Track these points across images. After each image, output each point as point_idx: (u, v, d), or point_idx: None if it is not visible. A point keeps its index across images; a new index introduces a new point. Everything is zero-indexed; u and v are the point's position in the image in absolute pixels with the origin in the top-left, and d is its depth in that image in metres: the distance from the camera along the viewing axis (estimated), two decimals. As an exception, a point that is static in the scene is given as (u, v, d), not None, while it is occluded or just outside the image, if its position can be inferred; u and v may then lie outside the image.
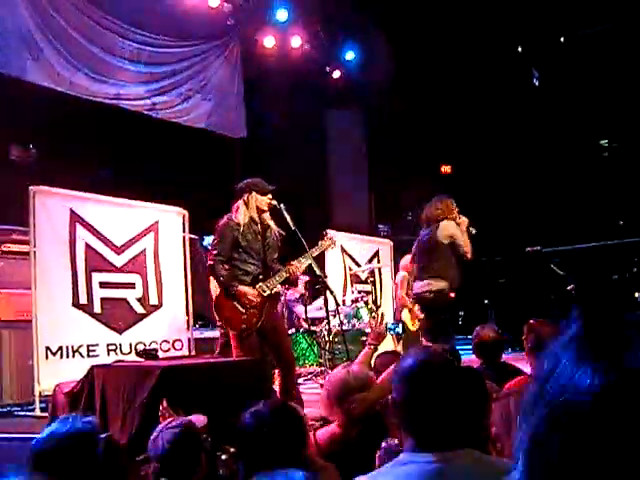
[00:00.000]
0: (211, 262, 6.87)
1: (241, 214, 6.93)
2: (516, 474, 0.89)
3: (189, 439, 3.78)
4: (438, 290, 8.34)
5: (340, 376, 4.07)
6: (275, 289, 7.05)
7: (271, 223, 7.13)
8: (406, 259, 11.37)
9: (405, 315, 11.10)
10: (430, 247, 8.41)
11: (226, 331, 8.08)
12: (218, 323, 7.86)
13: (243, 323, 6.80)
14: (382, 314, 6.41)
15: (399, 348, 10.20)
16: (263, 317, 6.85)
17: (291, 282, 7.81)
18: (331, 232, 10.14)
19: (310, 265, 7.24)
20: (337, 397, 3.98)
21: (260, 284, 6.88)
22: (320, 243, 7.37)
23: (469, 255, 8.38)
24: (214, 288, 7.71)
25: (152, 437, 3.84)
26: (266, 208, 7.03)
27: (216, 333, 9.05)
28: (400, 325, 9.75)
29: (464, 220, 8.53)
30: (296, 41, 13.68)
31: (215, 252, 6.85)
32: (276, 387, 7.21)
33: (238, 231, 6.86)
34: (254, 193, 6.97)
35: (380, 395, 3.83)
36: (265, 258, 7.00)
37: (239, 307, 6.79)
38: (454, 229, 8.33)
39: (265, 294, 6.86)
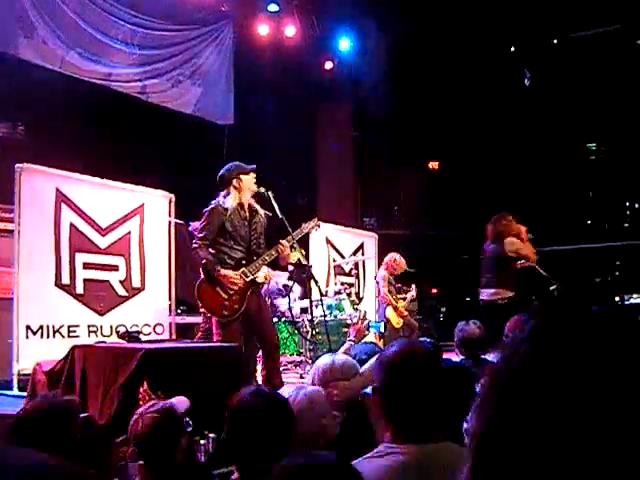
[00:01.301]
0: (195, 245, 6.86)
1: (230, 199, 6.92)
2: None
3: (169, 423, 3.77)
4: (508, 298, 9.28)
5: (325, 362, 4.07)
6: (260, 273, 7.03)
7: (258, 207, 7.12)
8: (390, 257, 11.39)
9: (390, 312, 11.13)
10: (498, 260, 9.29)
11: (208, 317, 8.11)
12: (201, 309, 7.86)
13: (225, 309, 6.79)
14: (365, 312, 6.41)
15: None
16: (245, 302, 6.85)
17: (282, 266, 7.78)
18: (317, 220, 10.15)
19: (296, 254, 7.23)
20: (321, 383, 3.98)
21: (243, 269, 6.88)
22: (303, 225, 7.36)
23: (533, 259, 9.42)
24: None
25: (133, 419, 3.83)
26: (252, 188, 7.02)
27: (198, 319, 9.04)
28: (382, 324, 9.77)
29: (522, 229, 9.38)
30: (290, 30, 13.65)
31: (200, 235, 6.85)
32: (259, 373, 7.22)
33: (225, 216, 6.85)
34: (242, 176, 6.97)
35: (362, 385, 3.84)
36: (251, 244, 7.00)
37: (221, 292, 6.78)
38: (518, 244, 9.26)
39: (248, 279, 6.85)
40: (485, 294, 9.38)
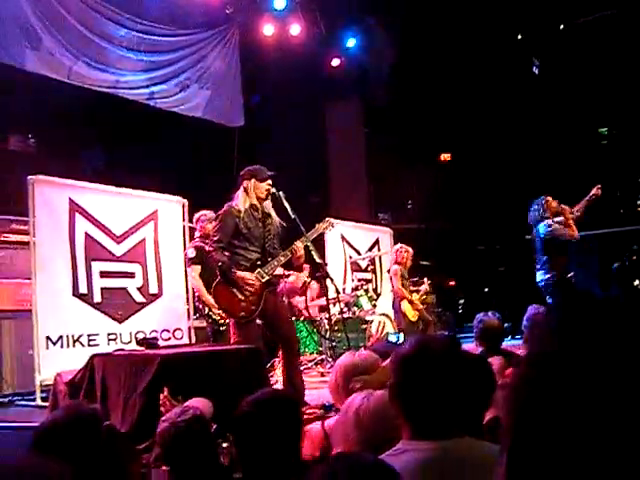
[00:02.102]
0: (210, 248, 6.88)
1: (241, 201, 6.94)
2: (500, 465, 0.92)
3: (200, 431, 3.79)
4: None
5: (347, 358, 4.06)
6: (274, 273, 7.04)
7: (272, 212, 7.14)
8: (395, 249, 11.35)
9: (405, 306, 11.11)
10: (539, 245, 9.64)
11: (216, 320, 8.18)
12: (215, 310, 7.90)
13: (242, 310, 6.80)
14: (384, 323, 6.41)
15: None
16: (262, 303, 6.85)
17: (297, 267, 7.78)
18: (331, 220, 10.14)
19: (310, 253, 7.23)
20: (343, 379, 3.97)
21: (259, 270, 6.88)
22: (317, 225, 7.36)
23: (575, 236, 9.56)
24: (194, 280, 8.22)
25: (162, 426, 3.84)
26: (264, 195, 7.03)
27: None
28: (402, 334, 9.77)
29: (566, 208, 9.59)
30: (295, 29, 13.64)
31: (215, 238, 6.85)
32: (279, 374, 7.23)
33: (239, 218, 6.86)
34: (253, 180, 6.98)
35: (384, 379, 3.83)
36: (265, 245, 7.00)
37: (238, 294, 6.79)
38: (547, 227, 9.49)
39: (264, 280, 6.86)
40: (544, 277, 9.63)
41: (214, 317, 8.39)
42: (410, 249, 11.28)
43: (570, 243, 9.40)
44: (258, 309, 6.83)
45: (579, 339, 0.87)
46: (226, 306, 6.93)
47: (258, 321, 7.04)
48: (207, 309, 8.45)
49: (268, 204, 7.12)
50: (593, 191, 9.47)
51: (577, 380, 0.84)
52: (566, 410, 0.83)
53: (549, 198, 9.49)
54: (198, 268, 8.45)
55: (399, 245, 11.33)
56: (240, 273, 6.79)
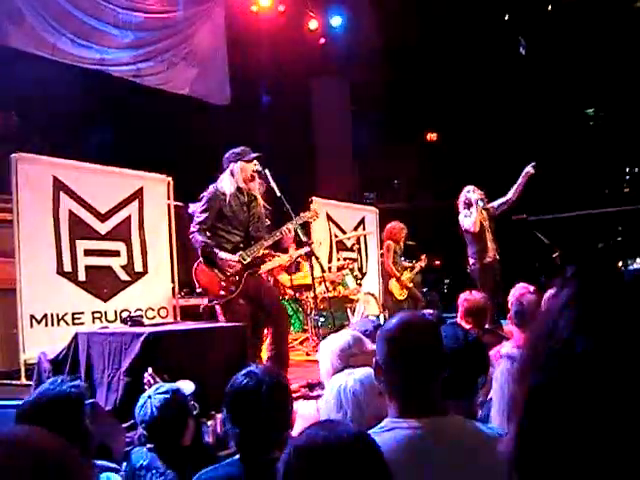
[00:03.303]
0: (193, 229, 6.90)
1: (227, 184, 6.95)
2: (507, 438, 0.90)
3: (177, 406, 3.79)
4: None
5: (339, 343, 4.02)
6: (257, 255, 7.05)
7: (258, 195, 7.14)
8: (388, 227, 11.38)
9: (392, 284, 11.13)
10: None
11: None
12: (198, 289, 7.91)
13: (222, 290, 6.82)
14: (368, 302, 6.43)
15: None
16: (242, 284, 6.86)
17: (283, 249, 7.80)
18: (317, 199, 10.15)
19: (296, 232, 7.24)
20: (342, 362, 3.95)
21: (241, 252, 6.90)
22: (301, 214, 7.35)
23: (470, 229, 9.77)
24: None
25: (139, 403, 3.84)
26: (251, 177, 7.02)
27: (203, 301, 9.05)
28: (382, 316, 9.82)
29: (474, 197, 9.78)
30: (282, 6, 13.57)
31: (199, 220, 6.87)
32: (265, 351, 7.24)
33: (224, 201, 6.87)
34: (240, 162, 6.97)
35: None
36: (249, 229, 7.02)
37: (219, 274, 6.82)
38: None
39: (245, 262, 6.88)
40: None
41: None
42: (401, 225, 11.33)
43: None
44: (237, 290, 6.86)
45: (598, 309, 0.85)
46: (206, 285, 6.99)
47: (241, 301, 7.04)
48: None
49: (254, 186, 7.11)
50: (527, 169, 9.56)
51: (603, 351, 0.82)
52: (590, 384, 0.81)
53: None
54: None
55: (394, 222, 11.37)
56: (222, 254, 6.81)
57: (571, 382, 0.82)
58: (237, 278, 6.88)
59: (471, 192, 9.76)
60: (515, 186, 9.92)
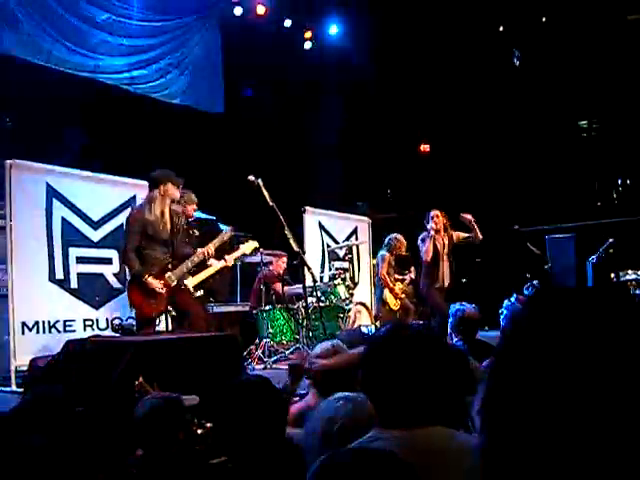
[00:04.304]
0: (123, 252, 7.25)
1: (153, 204, 7.14)
2: (478, 438, 0.96)
3: (168, 410, 3.80)
4: None
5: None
6: (182, 275, 7.33)
7: (179, 213, 7.41)
8: (391, 237, 11.35)
9: (387, 294, 11.15)
10: None
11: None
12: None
13: (153, 311, 7.16)
14: (359, 312, 6.59)
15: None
16: (167, 304, 7.28)
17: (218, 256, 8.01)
18: (309, 209, 10.18)
19: (288, 241, 7.29)
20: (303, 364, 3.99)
21: (169, 274, 7.11)
22: (221, 234, 7.67)
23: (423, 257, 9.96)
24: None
25: (138, 404, 3.86)
26: (177, 197, 7.33)
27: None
28: (373, 328, 9.87)
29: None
30: (277, 15, 13.60)
31: (126, 242, 7.07)
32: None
33: (147, 221, 7.05)
34: (169, 184, 7.16)
35: (340, 363, 3.85)
36: (174, 246, 7.19)
37: (149, 296, 7.03)
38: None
39: (173, 284, 7.06)
40: None
41: None
42: (403, 240, 11.33)
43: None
44: (166, 307, 7.31)
45: (546, 330, 0.91)
46: (139, 306, 7.22)
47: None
48: None
49: (176, 205, 7.35)
50: (464, 216, 9.82)
51: (543, 370, 0.88)
52: (533, 401, 0.87)
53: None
54: None
55: (397, 235, 11.38)
56: (149, 280, 7.02)
57: (520, 397, 0.91)
58: (165, 300, 7.21)
59: (431, 220, 9.93)
60: (473, 231, 9.98)
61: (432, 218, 9.90)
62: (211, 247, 7.39)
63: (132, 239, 7.11)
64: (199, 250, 7.38)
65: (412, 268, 11.67)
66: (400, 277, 11.50)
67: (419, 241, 10.05)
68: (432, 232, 9.82)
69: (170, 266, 7.21)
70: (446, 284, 9.95)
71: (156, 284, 7.06)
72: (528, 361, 0.90)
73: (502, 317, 6.37)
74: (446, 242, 9.96)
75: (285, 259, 10.36)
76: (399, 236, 11.37)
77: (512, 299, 6.67)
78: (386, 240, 11.44)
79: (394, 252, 11.27)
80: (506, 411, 0.91)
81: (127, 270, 7.49)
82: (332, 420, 2.80)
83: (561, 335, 0.89)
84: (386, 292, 11.18)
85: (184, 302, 7.38)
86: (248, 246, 7.80)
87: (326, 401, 2.94)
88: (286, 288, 9.99)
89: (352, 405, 2.84)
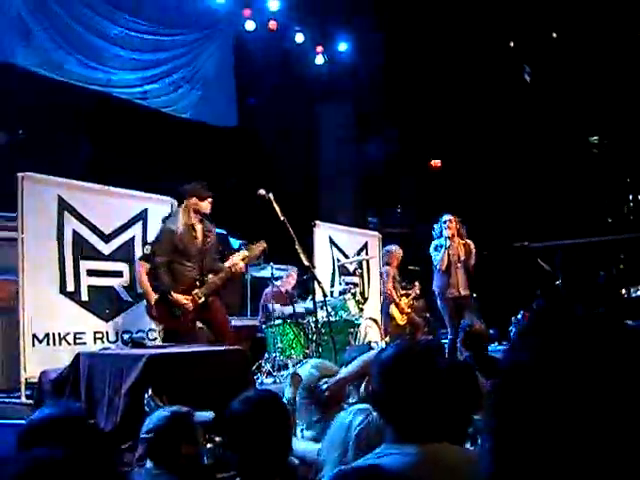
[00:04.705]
0: (153, 268, 7.21)
1: (179, 219, 7.13)
2: (483, 458, 0.97)
3: (179, 423, 3.80)
4: None
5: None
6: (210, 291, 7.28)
7: (210, 228, 7.37)
8: (390, 250, 11.36)
9: (393, 309, 11.12)
10: None
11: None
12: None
13: (179, 327, 7.17)
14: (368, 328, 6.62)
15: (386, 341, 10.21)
16: (196, 321, 7.29)
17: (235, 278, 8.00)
18: (320, 223, 10.19)
19: (298, 255, 7.29)
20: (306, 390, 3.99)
21: (196, 290, 7.08)
22: (251, 246, 7.57)
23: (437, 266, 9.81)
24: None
25: (149, 416, 3.87)
26: (207, 212, 7.21)
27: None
28: (383, 343, 9.86)
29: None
30: (288, 31, 13.66)
31: (156, 258, 7.05)
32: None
33: (176, 235, 7.04)
34: (194, 198, 7.15)
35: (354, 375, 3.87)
36: (203, 262, 7.17)
37: (175, 312, 7.03)
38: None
39: (200, 301, 7.05)
40: None
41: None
42: (397, 249, 11.32)
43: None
44: (194, 323, 7.26)
45: (549, 352, 0.92)
46: (166, 323, 7.34)
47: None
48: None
49: (206, 221, 7.32)
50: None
51: (546, 391, 0.89)
52: (538, 420, 0.89)
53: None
54: (148, 266, 8.22)
55: (393, 247, 11.37)
56: (176, 296, 6.96)
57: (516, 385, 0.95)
58: (193, 316, 7.21)
59: (445, 227, 9.72)
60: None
61: (445, 223, 9.71)
62: (241, 263, 7.37)
63: (162, 253, 7.14)
64: (226, 264, 7.35)
65: (416, 283, 11.63)
66: (404, 292, 11.47)
67: (432, 249, 9.88)
68: (447, 240, 9.62)
69: (198, 283, 7.19)
70: (462, 293, 9.73)
71: (183, 300, 7.06)
72: (528, 390, 0.92)
73: (512, 333, 6.37)
74: (461, 249, 9.75)
75: (295, 275, 10.37)
76: (392, 247, 11.37)
77: (519, 316, 6.69)
78: (382, 255, 11.48)
79: (394, 264, 11.24)
80: (510, 443, 0.92)
81: (138, 284, 7.48)
82: (349, 431, 2.83)
83: (559, 366, 0.91)
84: (392, 307, 11.15)
85: (213, 317, 7.38)
86: (257, 247, 7.69)
87: (343, 413, 2.97)
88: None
89: (369, 417, 2.86)
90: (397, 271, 11.32)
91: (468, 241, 9.81)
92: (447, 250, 9.61)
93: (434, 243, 9.85)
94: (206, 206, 7.25)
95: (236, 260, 7.33)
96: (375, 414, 2.86)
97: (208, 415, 4.23)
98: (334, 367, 4.05)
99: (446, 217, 9.75)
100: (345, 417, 2.96)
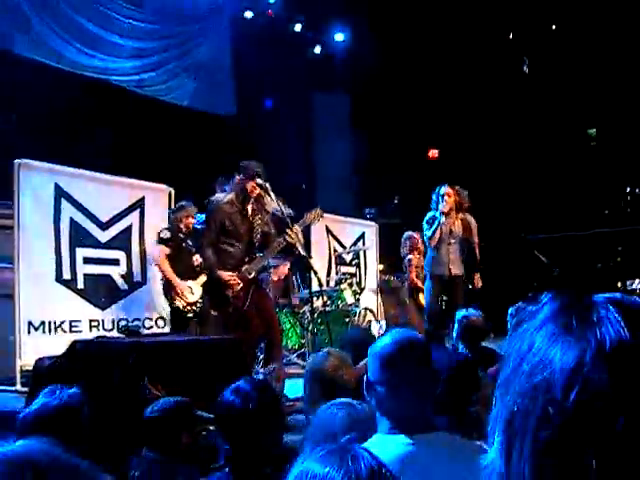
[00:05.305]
0: (200, 245, 6.99)
1: (228, 197, 6.99)
2: (492, 453, 0.91)
3: (182, 413, 3.81)
4: None
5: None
6: (260, 267, 7.12)
7: (264, 205, 7.19)
8: (411, 237, 10.80)
9: (421, 298, 10.66)
10: None
11: (178, 307, 8.08)
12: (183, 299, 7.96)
13: (231, 306, 6.89)
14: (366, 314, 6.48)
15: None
16: (249, 299, 6.91)
17: (290, 251, 7.77)
18: (319, 210, 10.13)
19: (295, 246, 7.26)
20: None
21: (245, 267, 6.93)
22: (306, 215, 7.34)
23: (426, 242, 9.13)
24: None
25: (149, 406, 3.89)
26: (255, 190, 7.04)
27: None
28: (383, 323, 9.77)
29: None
30: (285, 20, 13.65)
31: (205, 238, 6.96)
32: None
33: (225, 215, 6.90)
34: (242, 175, 7.01)
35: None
36: (251, 241, 7.05)
37: (225, 291, 6.88)
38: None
39: (250, 276, 6.91)
40: None
41: (177, 304, 8.25)
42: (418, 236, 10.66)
43: None
44: (246, 303, 6.90)
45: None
46: (216, 302, 7.12)
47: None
48: (172, 295, 8.27)
49: (253, 200, 7.15)
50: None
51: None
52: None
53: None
54: (167, 250, 8.20)
55: (412, 232, 10.75)
56: (221, 273, 6.86)
57: (555, 394, 0.82)
58: (244, 294, 6.92)
59: (442, 200, 8.85)
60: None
61: (442, 197, 8.86)
62: (297, 228, 7.08)
63: (207, 232, 7.01)
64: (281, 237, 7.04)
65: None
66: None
67: (424, 222, 9.07)
68: (442, 215, 8.79)
69: (247, 260, 7.02)
70: (453, 272, 8.91)
71: (226, 276, 6.86)
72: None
73: (508, 325, 6.32)
74: (458, 225, 8.97)
75: (288, 264, 10.27)
76: (412, 233, 10.68)
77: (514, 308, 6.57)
78: (407, 242, 10.77)
79: (416, 252, 10.61)
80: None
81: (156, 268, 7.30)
82: (331, 425, 2.79)
83: None
84: (420, 296, 10.80)
85: (260, 299, 7.21)
86: (313, 214, 7.50)
87: (324, 407, 2.94)
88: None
89: (350, 411, 2.84)
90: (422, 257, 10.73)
91: (468, 216, 9.11)
92: (440, 226, 8.80)
93: (428, 214, 9.04)
94: (252, 185, 7.01)
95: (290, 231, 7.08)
96: (359, 407, 2.84)
97: (210, 416, 4.24)
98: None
99: (444, 189, 8.93)
100: (327, 411, 2.93)
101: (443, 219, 8.80)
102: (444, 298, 9.14)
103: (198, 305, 8.11)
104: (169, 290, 8.15)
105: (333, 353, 4.02)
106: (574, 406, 0.80)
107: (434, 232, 8.79)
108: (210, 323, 7.50)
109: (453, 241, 8.90)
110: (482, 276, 9.37)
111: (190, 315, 8.10)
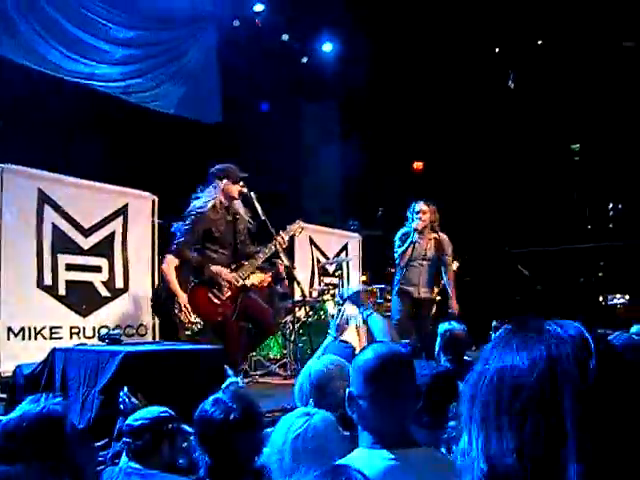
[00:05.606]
0: (178, 247, 6.85)
1: (211, 203, 6.93)
2: (459, 453, 1.08)
3: (166, 424, 3.78)
4: None
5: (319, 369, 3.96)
6: (251, 276, 7.05)
7: (241, 211, 7.14)
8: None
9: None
10: None
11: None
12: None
13: (219, 315, 6.81)
14: (343, 310, 6.39)
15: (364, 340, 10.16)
16: (238, 307, 6.87)
17: (272, 263, 7.75)
18: (301, 223, 10.13)
19: (279, 256, 7.25)
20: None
21: (234, 274, 6.88)
22: (288, 227, 7.34)
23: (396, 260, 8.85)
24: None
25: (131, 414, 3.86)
26: (236, 196, 7.01)
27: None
28: (360, 316, 9.66)
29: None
30: (273, 29, 13.65)
31: (183, 240, 6.84)
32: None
33: (211, 221, 6.85)
34: (225, 180, 6.97)
35: None
36: (236, 247, 7.01)
37: (214, 298, 6.79)
38: None
39: (239, 284, 6.86)
40: None
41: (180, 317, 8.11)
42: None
43: None
44: (235, 312, 6.84)
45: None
46: (203, 310, 6.92)
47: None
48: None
49: (238, 203, 7.11)
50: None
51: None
52: None
53: None
54: (177, 262, 8.10)
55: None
56: (215, 267, 6.78)
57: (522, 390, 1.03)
58: (232, 300, 6.86)
59: (416, 217, 8.56)
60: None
61: (417, 214, 8.56)
62: (283, 235, 7.09)
63: (189, 237, 6.84)
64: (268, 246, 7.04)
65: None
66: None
67: (396, 238, 8.81)
68: (415, 233, 8.49)
69: (233, 267, 6.94)
70: (423, 295, 8.70)
71: (222, 270, 6.78)
72: None
73: (491, 339, 6.34)
74: (430, 245, 8.70)
75: (270, 274, 10.21)
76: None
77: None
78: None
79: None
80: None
81: (164, 279, 7.17)
82: (286, 435, 2.79)
83: None
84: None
85: (252, 306, 7.12)
86: (296, 227, 7.49)
87: (286, 416, 2.94)
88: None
89: (308, 421, 2.83)
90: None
91: (441, 235, 8.79)
92: (413, 244, 8.55)
93: (401, 231, 8.78)
94: (237, 189, 6.98)
95: (280, 236, 7.06)
96: (317, 417, 2.83)
97: (190, 430, 4.21)
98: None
99: (419, 206, 8.63)
100: (287, 420, 2.93)
101: (416, 236, 8.58)
102: (414, 311, 8.87)
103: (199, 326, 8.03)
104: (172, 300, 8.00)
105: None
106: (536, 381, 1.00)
107: (405, 250, 8.57)
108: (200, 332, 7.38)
109: (426, 263, 8.72)
110: (465, 289, 9.34)
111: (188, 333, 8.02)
